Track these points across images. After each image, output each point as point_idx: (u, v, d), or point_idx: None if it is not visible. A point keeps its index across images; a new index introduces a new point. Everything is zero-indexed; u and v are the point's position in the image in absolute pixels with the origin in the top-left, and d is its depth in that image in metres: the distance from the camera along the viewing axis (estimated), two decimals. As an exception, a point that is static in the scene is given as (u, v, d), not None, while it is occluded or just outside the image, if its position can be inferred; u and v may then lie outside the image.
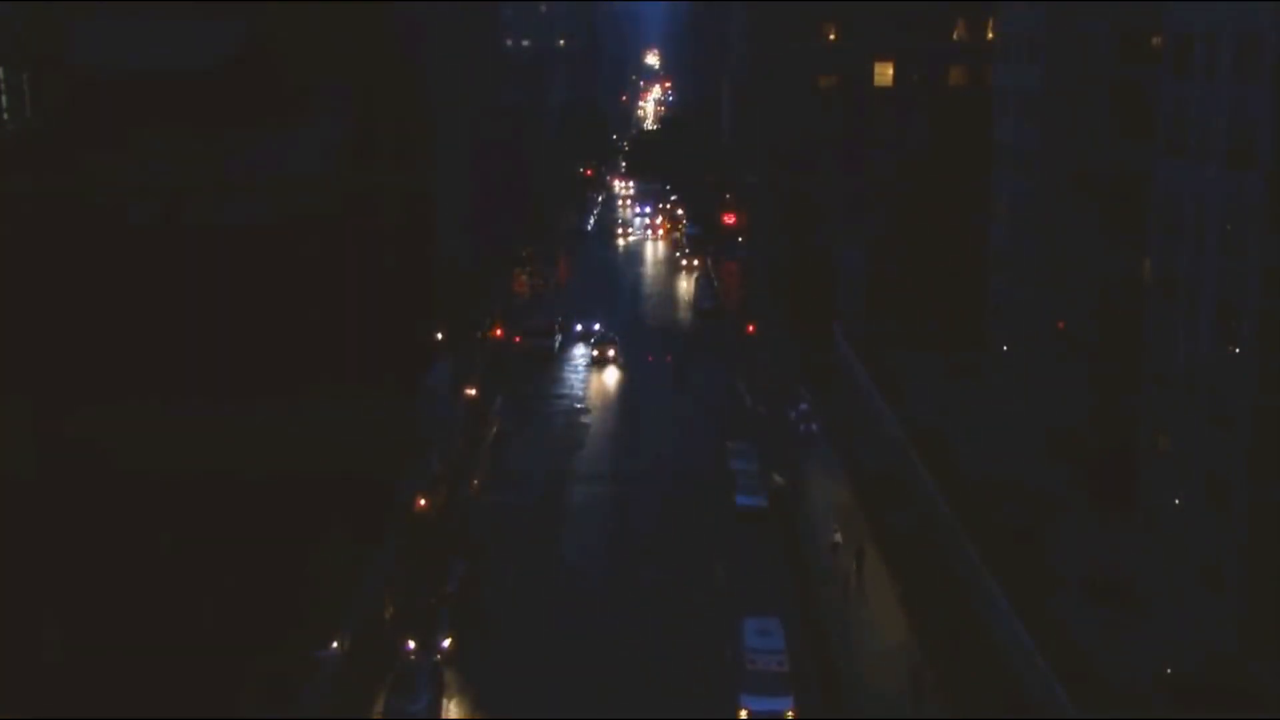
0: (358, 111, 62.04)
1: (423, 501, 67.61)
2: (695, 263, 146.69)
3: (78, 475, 48.42)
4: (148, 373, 50.64)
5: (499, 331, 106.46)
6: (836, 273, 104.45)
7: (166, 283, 52.17)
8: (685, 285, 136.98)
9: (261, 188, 54.34)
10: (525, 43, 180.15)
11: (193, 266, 52.68)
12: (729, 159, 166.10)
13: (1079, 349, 71.43)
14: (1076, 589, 56.96)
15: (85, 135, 51.60)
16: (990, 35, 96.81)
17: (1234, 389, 51.79)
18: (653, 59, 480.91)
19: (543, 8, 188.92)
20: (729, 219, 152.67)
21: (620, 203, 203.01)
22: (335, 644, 50.84)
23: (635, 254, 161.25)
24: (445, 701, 50.51)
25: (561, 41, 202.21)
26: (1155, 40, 63.69)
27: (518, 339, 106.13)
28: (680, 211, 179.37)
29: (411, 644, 52.96)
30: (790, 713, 48.78)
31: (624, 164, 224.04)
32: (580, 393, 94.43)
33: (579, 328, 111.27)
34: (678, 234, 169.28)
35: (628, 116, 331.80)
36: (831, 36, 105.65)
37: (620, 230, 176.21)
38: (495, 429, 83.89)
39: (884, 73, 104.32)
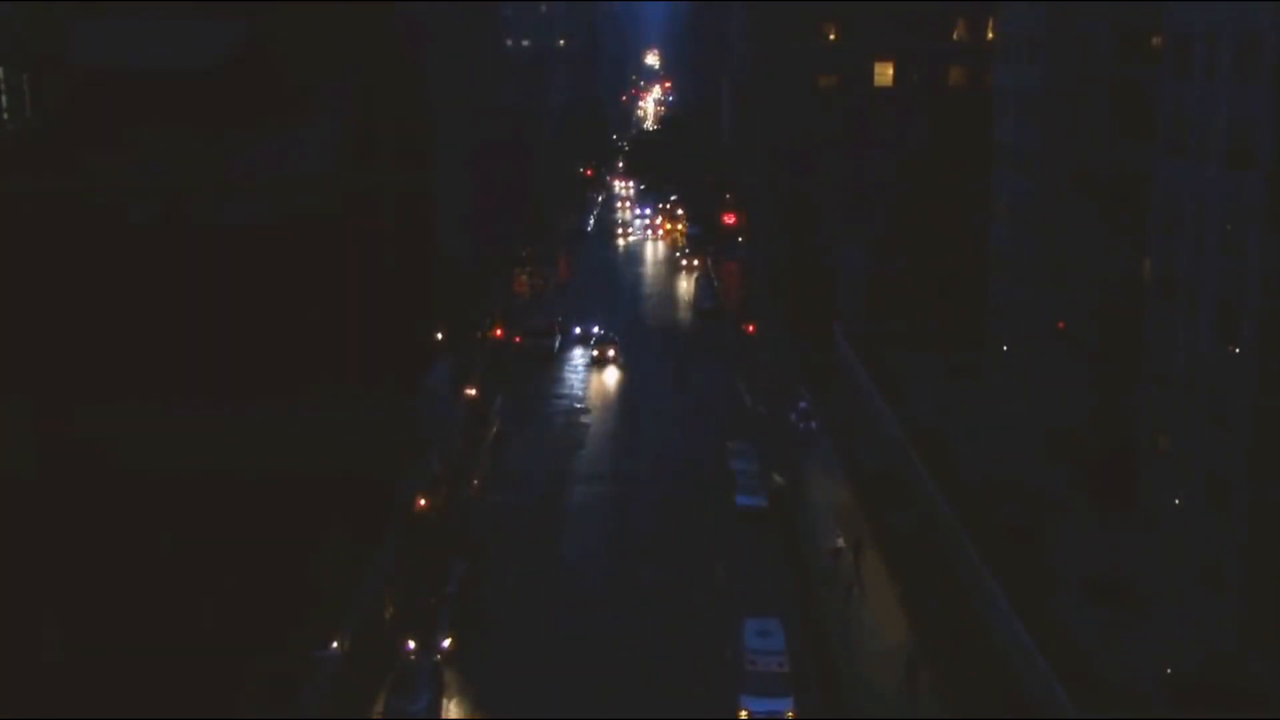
0: (358, 111, 62.02)
1: (423, 501, 67.62)
2: (695, 263, 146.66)
3: (78, 475, 48.46)
4: (148, 373, 50.71)
5: (499, 331, 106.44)
6: (836, 273, 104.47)
7: (167, 283, 52.23)
8: (685, 285, 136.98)
9: (261, 188, 54.40)
10: (525, 43, 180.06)
11: (193, 267, 52.73)
12: (729, 159, 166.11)
13: (1079, 349, 71.45)
14: (1076, 589, 56.97)
15: (85, 135, 51.65)
16: (990, 35, 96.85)
17: (1234, 389, 51.80)
18: (653, 59, 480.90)
19: (543, 8, 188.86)
20: (729, 219, 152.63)
21: (620, 203, 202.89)
22: (335, 644, 50.84)
23: (635, 254, 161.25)
24: (445, 701, 50.52)
25: (561, 41, 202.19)
26: (1155, 40, 63.71)
27: (518, 339, 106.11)
28: (680, 211, 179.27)
29: (411, 644, 52.96)
30: (790, 713, 48.78)
31: (624, 164, 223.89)
32: (580, 393, 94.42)
33: (577, 330, 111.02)
34: (678, 234, 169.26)
35: (628, 116, 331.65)
36: (831, 36, 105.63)
37: (620, 230, 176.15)
38: (495, 429, 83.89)
39: (884, 73, 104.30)
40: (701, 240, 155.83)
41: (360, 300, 62.84)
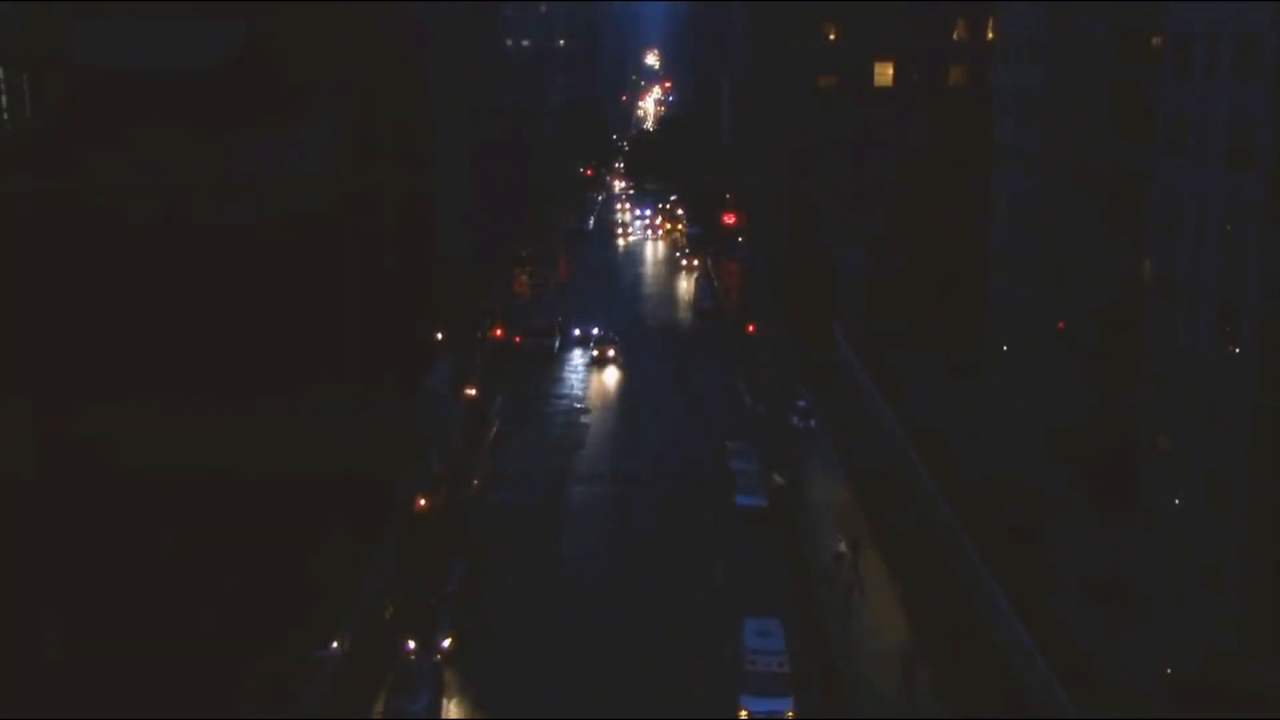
0: (358, 111, 62.05)
1: (423, 501, 67.61)
2: (695, 263, 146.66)
3: (78, 475, 48.48)
4: (148, 373, 50.73)
5: (499, 331, 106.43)
6: (836, 273, 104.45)
7: (167, 283, 52.26)
8: (685, 285, 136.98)
9: (261, 188, 54.44)
10: (525, 43, 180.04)
11: (193, 267, 52.75)
12: (729, 159, 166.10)
13: (1079, 349, 71.44)
14: (1076, 589, 56.96)
15: (85, 135, 51.69)
16: (990, 35, 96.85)
17: (1234, 389, 51.80)
18: (653, 59, 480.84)
19: (543, 8, 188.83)
20: (729, 219, 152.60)
21: (620, 203, 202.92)
22: (335, 644, 50.83)
23: (635, 254, 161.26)
24: (445, 701, 50.52)
25: (561, 41, 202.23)
26: (1155, 40, 63.69)
27: (518, 339, 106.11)
28: (680, 211, 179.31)
29: (411, 644, 52.95)
30: (790, 713, 48.78)
31: (624, 164, 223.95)
32: (580, 393, 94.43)
33: (577, 331, 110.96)
34: (678, 234, 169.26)
35: (628, 116, 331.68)
36: (831, 36, 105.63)
37: (620, 230, 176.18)
38: (495, 429, 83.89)
39: (884, 73, 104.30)
40: (701, 240, 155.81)
41: (360, 300, 62.86)
